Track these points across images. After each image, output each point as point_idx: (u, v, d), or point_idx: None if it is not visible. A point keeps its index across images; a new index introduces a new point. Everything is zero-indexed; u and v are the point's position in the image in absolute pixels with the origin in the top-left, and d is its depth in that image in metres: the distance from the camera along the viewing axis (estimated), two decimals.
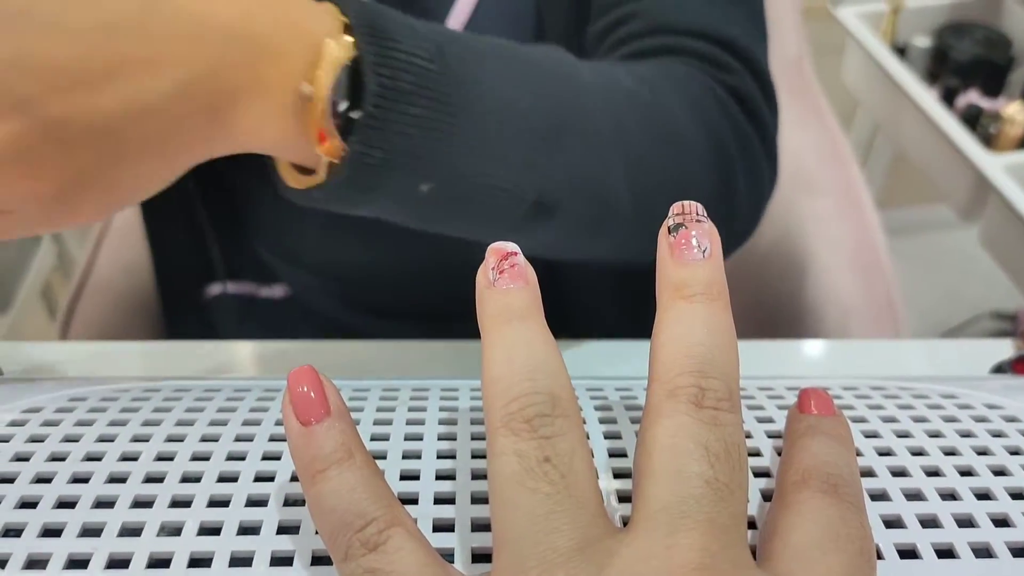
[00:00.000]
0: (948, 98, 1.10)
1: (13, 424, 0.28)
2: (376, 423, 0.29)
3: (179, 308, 0.64)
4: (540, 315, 0.24)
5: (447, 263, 0.47)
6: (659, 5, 0.46)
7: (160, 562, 0.23)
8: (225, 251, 0.60)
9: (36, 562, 0.23)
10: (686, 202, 0.26)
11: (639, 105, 0.40)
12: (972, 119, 1.03)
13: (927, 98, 1.07)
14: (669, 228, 0.25)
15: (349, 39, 0.29)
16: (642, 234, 0.41)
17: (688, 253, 0.24)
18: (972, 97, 1.07)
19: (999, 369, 0.45)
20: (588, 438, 0.27)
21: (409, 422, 0.29)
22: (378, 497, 0.22)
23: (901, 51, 1.19)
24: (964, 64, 1.11)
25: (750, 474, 0.27)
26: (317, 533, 0.24)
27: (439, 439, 0.28)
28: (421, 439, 0.28)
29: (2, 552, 0.23)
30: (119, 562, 0.23)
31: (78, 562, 0.23)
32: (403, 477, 0.26)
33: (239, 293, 0.62)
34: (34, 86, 0.23)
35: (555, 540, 0.20)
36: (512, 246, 0.25)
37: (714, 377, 0.22)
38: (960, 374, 0.46)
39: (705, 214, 0.25)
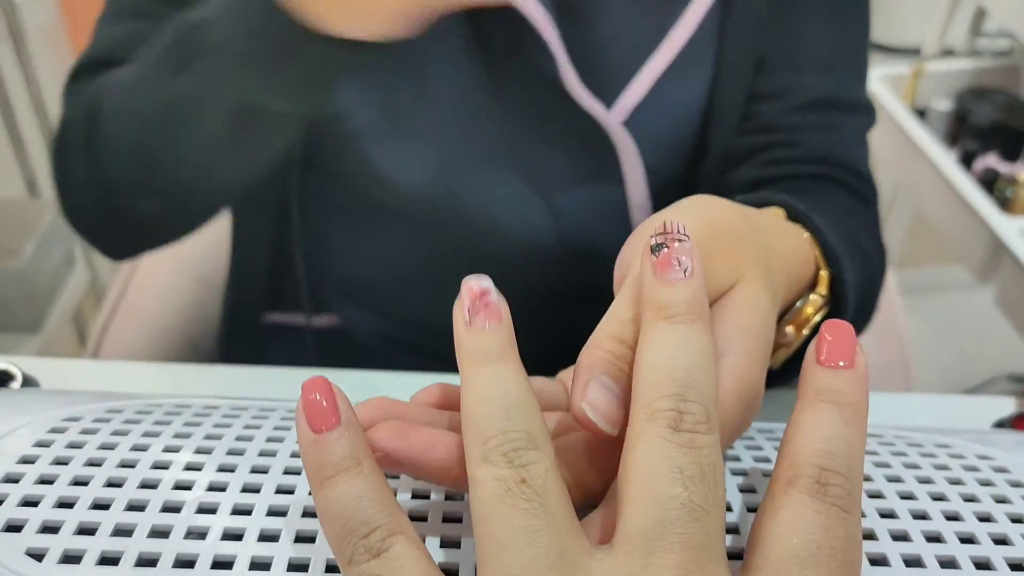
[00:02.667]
0: (966, 161, 1.11)
1: (54, 431, 0.30)
2: None
3: (240, 331, 0.66)
4: (514, 353, 0.25)
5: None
6: (818, 139, 0.53)
7: (185, 563, 0.25)
8: (305, 278, 0.63)
9: (71, 558, 0.25)
10: (668, 220, 0.26)
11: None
12: (989, 182, 1.04)
13: (946, 160, 1.09)
14: (652, 248, 0.26)
15: (821, 296, 0.38)
16: None
17: (670, 273, 0.25)
18: (990, 161, 1.08)
19: (1001, 425, 0.46)
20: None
21: None
22: (383, 505, 0.23)
23: (921, 114, 1.21)
24: (983, 128, 1.13)
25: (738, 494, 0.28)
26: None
27: None
28: None
29: (39, 547, 0.25)
30: (148, 561, 0.25)
31: (110, 559, 0.25)
32: (414, 496, 0.28)
33: (292, 322, 0.64)
34: None
35: (535, 551, 0.22)
36: (485, 282, 0.26)
37: (693, 400, 0.23)
38: (963, 429, 0.47)
39: (686, 232, 0.26)
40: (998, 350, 1.31)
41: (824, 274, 0.38)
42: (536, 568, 0.22)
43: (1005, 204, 1.02)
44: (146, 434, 0.30)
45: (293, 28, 0.40)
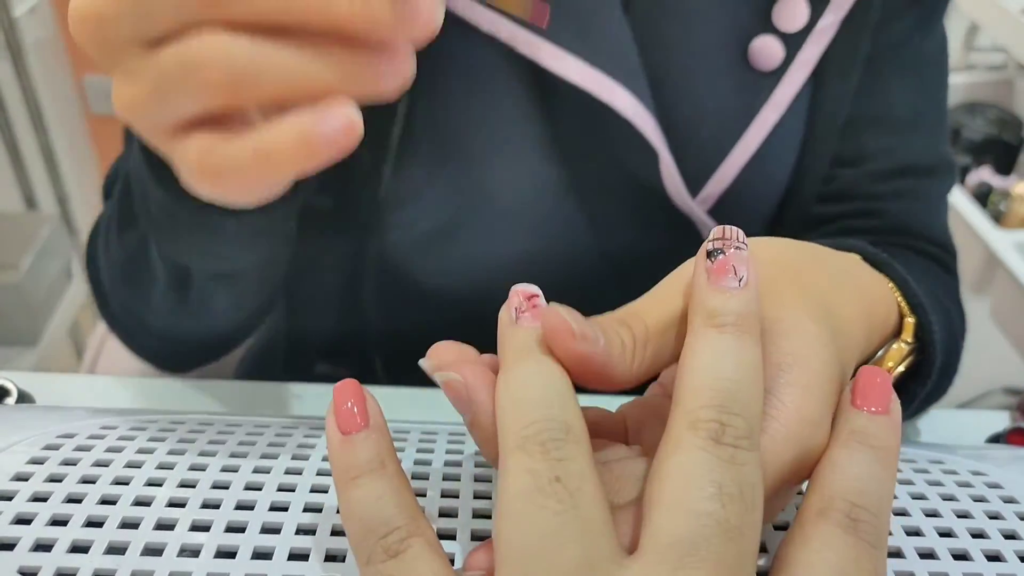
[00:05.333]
0: (960, 175, 1.12)
1: (48, 448, 0.30)
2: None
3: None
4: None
5: None
6: (897, 208, 0.51)
7: None
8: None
9: None
10: (728, 227, 0.25)
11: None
12: (983, 196, 1.05)
13: None
14: (708, 252, 0.25)
15: (907, 344, 0.35)
16: None
17: (725, 280, 0.24)
18: (983, 175, 1.09)
19: (995, 439, 0.46)
20: None
21: (417, 462, 0.31)
22: (403, 508, 0.23)
23: None
24: (976, 143, 1.13)
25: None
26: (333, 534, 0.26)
27: (443, 479, 0.30)
28: (427, 478, 0.30)
29: (32, 565, 0.25)
30: None
31: None
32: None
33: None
34: None
35: (562, 557, 0.21)
36: (535, 288, 0.26)
37: (737, 414, 0.22)
38: (957, 443, 0.47)
39: (746, 241, 0.25)
40: (993, 363, 1.32)
41: (910, 321, 0.35)
42: (561, 574, 0.21)
43: (999, 218, 1.02)
44: (140, 451, 0.30)
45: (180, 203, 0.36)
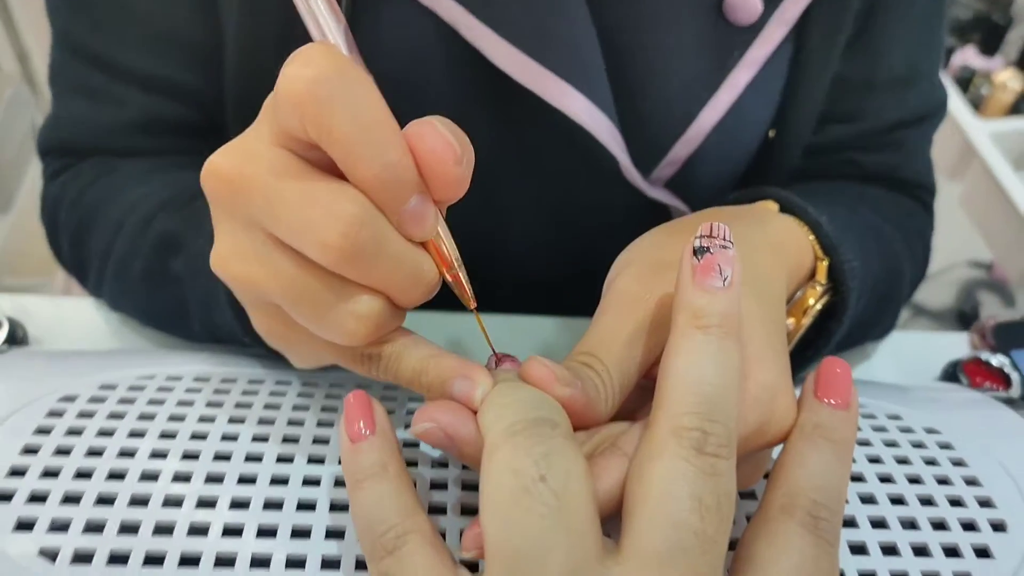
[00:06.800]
0: (944, 56, 1.10)
1: (52, 414, 0.31)
2: None
3: None
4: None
5: None
6: (875, 160, 0.51)
7: (189, 559, 0.27)
8: None
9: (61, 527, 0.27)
10: (715, 224, 0.26)
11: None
12: (965, 82, 1.04)
13: None
14: (695, 250, 0.26)
15: (821, 285, 0.36)
16: None
17: (710, 280, 0.25)
18: (967, 56, 1.07)
19: (952, 368, 0.48)
20: None
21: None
22: (401, 507, 0.25)
23: None
24: (964, 21, 1.11)
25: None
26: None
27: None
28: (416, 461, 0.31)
29: (29, 516, 0.27)
30: (154, 559, 0.27)
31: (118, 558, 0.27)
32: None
33: None
34: None
35: (550, 561, 0.22)
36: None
37: (718, 421, 0.24)
38: (918, 368, 0.50)
39: (732, 240, 0.26)
40: (960, 242, 1.35)
41: (823, 264, 0.37)
42: None
43: (978, 103, 1.02)
44: (142, 416, 0.31)
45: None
